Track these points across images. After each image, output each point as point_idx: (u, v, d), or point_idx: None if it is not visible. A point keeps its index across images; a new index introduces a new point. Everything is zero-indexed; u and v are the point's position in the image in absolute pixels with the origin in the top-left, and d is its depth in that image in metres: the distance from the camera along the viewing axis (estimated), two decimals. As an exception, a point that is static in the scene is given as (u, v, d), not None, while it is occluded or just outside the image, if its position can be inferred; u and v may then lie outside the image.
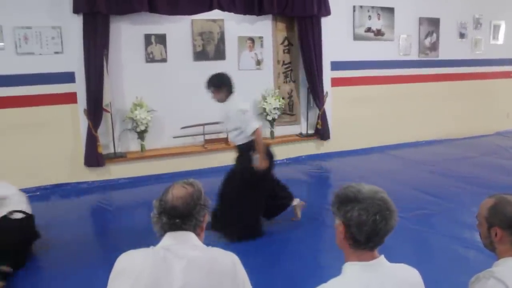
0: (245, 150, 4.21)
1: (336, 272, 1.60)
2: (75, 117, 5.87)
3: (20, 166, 5.69)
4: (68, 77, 5.80)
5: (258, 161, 4.09)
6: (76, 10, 5.68)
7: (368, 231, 1.50)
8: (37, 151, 5.74)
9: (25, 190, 5.68)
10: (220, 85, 4.17)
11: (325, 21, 6.99)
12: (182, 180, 1.82)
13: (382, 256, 1.57)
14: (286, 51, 7.11)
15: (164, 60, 6.28)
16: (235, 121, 4.13)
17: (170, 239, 1.70)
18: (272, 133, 6.96)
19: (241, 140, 4.21)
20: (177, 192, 1.74)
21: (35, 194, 5.69)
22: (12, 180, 5.62)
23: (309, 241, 4.26)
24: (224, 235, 4.20)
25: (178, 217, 1.69)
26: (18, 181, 5.66)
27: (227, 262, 1.68)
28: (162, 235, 1.73)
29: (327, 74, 7.20)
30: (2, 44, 5.55)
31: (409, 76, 8.15)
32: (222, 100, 4.22)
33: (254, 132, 4.07)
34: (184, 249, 1.65)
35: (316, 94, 7.07)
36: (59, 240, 4.39)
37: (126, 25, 6.07)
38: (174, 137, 6.32)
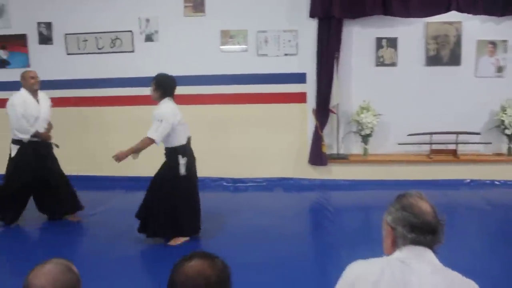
0: (170, 154, 4.20)
1: None
2: (303, 116, 6.12)
3: (252, 156, 6.19)
4: (300, 78, 6.09)
5: (183, 168, 4.11)
6: (312, 15, 5.93)
7: None
8: (267, 144, 6.15)
9: (252, 180, 6.17)
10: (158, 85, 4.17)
11: None
12: (413, 191, 1.68)
13: None
14: (534, 57, 6.23)
15: (394, 64, 6.10)
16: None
17: (407, 252, 1.59)
18: (509, 149, 6.14)
19: (167, 143, 4.19)
20: (426, 206, 1.62)
21: (261, 184, 6.11)
22: (241, 169, 6.17)
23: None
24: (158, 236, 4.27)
25: (429, 233, 1.58)
26: (247, 171, 6.19)
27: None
28: (397, 247, 1.63)
29: None
30: (246, 46, 6.11)
31: None
32: (155, 99, 4.21)
33: (159, 137, 4.05)
34: (421, 264, 1.55)
35: None
36: (278, 230, 4.58)
37: (358, 29, 6.08)
38: (399, 144, 6.06)
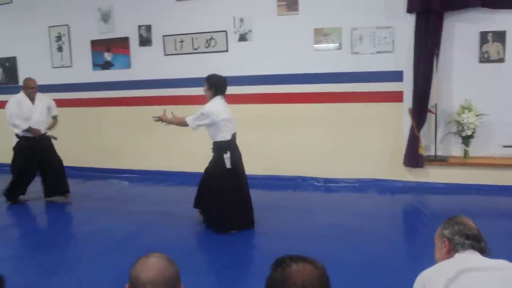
0: (216, 149, 4.47)
1: None
2: (399, 115, 5.90)
3: (344, 156, 6.10)
4: (396, 76, 5.86)
5: (228, 162, 4.37)
6: (410, 9, 5.68)
7: None
8: (360, 144, 6.02)
9: (343, 181, 6.08)
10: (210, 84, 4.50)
11: None
12: (459, 214, 2.16)
13: None
14: None
15: (501, 60, 5.65)
16: None
17: (467, 254, 1.98)
18: None
19: (213, 138, 4.47)
20: (473, 224, 2.08)
21: (353, 185, 6.00)
22: (333, 169, 6.06)
23: None
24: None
25: (480, 241, 2.02)
26: (339, 171, 6.09)
27: None
28: (455, 253, 2.01)
29: None
30: (339, 44, 6.00)
31: None
32: (208, 97, 4.54)
33: (194, 125, 4.47)
34: (477, 256, 1.97)
35: None
36: (370, 232, 4.46)
37: (460, 23, 5.71)
38: (504, 146, 5.64)
